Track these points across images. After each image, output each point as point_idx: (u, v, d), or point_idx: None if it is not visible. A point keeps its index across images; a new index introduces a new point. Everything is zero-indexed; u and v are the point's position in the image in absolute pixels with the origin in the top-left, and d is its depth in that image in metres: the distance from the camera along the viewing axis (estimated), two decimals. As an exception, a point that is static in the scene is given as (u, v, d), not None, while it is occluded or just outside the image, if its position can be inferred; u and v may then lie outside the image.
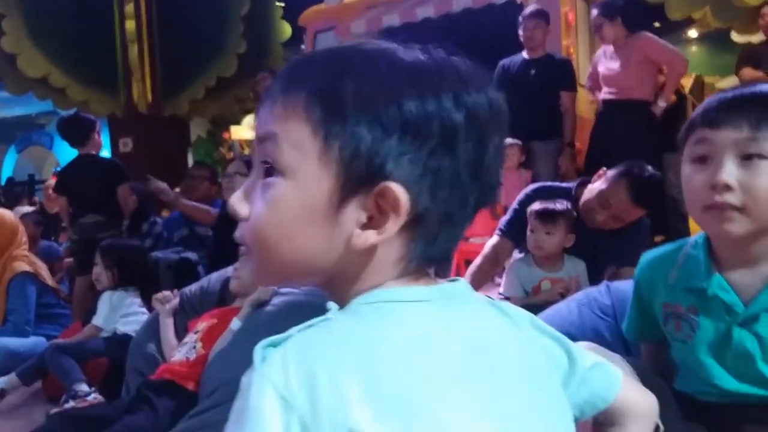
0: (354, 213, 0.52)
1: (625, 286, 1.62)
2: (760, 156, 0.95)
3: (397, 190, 0.51)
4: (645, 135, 3.90)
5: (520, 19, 4.13)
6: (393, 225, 0.52)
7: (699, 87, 6.34)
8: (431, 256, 0.56)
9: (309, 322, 0.52)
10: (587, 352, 0.68)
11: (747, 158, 0.95)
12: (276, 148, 0.53)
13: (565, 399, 0.63)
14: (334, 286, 0.57)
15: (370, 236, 0.52)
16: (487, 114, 0.54)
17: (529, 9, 4.17)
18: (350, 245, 0.53)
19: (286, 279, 0.60)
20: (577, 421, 0.65)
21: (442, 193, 0.52)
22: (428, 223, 0.53)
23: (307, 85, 0.52)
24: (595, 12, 4.04)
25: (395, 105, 0.50)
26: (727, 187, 0.96)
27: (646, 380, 0.79)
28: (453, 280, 0.60)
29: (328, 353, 0.49)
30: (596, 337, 1.51)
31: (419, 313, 0.54)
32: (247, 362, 1.75)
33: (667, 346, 1.18)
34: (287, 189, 0.53)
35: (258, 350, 0.50)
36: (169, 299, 2.33)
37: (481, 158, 0.54)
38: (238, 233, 0.57)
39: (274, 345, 0.50)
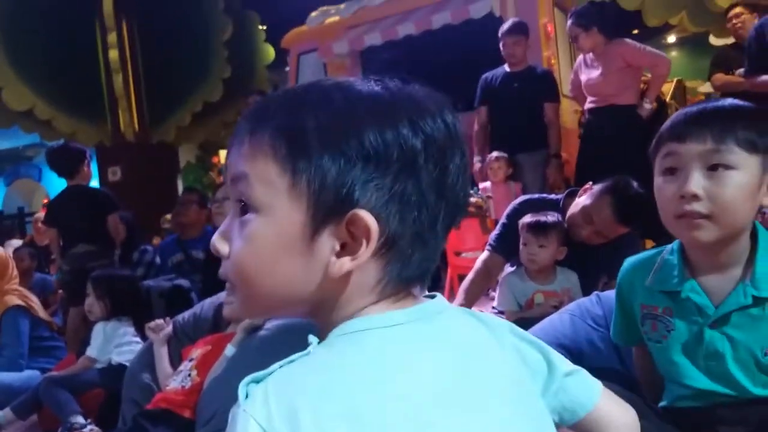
0: (328, 242, 0.54)
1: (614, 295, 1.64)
2: (725, 166, 1.01)
3: (366, 216, 0.53)
4: (634, 139, 3.88)
5: (500, 35, 4.15)
6: (366, 250, 0.54)
7: (681, 92, 6.43)
8: (407, 276, 0.58)
9: (290, 358, 0.54)
10: (565, 359, 0.69)
11: (712, 168, 1.02)
12: (248, 186, 0.55)
13: (544, 406, 0.65)
14: (317, 314, 0.59)
15: (345, 263, 0.54)
16: (444, 136, 0.56)
17: (507, 24, 4.18)
18: (327, 273, 0.55)
19: (271, 311, 0.63)
20: (558, 427, 0.67)
21: (410, 215, 0.54)
22: (400, 245, 0.55)
23: (270, 124, 0.55)
24: (569, 22, 4.04)
25: (355, 136, 0.53)
26: (695, 197, 1.02)
27: (620, 394, 0.81)
28: (431, 296, 0.61)
29: (307, 387, 0.51)
30: (590, 348, 1.53)
31: (394, 338, 0.55)
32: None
33: None
34: (262, 225, 0.55)
35: (242, 387, 0.52)
36: (162, 328, 2.33)
37: (443, 179, 0.56)
38: (222, 271, 0.59)
39: (257, 381, 0.53)
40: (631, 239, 2.48)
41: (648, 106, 3.96)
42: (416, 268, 0.58)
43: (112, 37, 7.69)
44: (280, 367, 0.53)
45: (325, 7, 6.49)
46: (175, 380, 2.09)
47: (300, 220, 0.54)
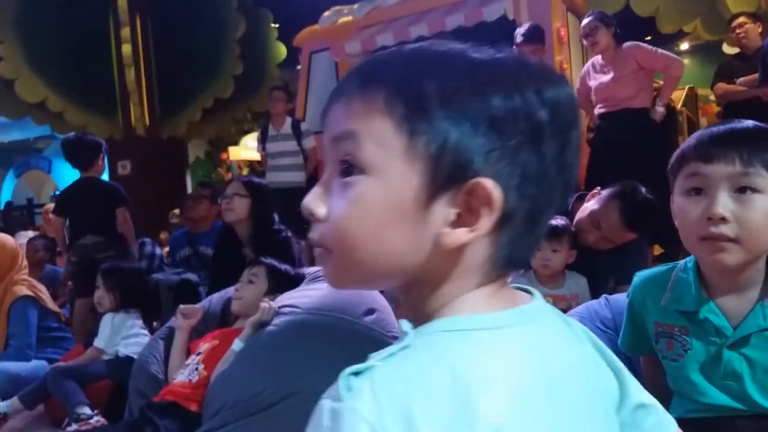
0: (443, 210, 0.51)
1: (624, 298, 1.64)
2: (753, 189, 1.00)
3: (490, 185, 0.49)
4: (648, 142, 3.88)
5: (516, 40, 4.09)
6: (486, 222, 0.50)
7: (692, 99, 6.41)
8: (515, 259, 0.54)
9: (388, 350, 0.49)
10: (639, 386, 0.64)
11: (740, 191, 1.00)
12: (356, 145, 0.51)
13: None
14: (414, 289, 0.55)
15: (462, 234, 0.51)
16: (567, 108, 0.53)
17: (524, 30, 4.14)
18: (438, 245, 0.51)
19: (367, 281, 0.56)
20: None
21: (529, 191, 0.51)
22: (515, 222, 0.52)
23: (387, 82, 0.51)
24: (589, 18, 4.00)
25: (481, 99, 0.49)
26: (723, 219, 1.00)
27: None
28: (527, 290, 0.59)
29: (420, 387, 0.47)
30: None
31: (503, 342, 0.51)
32: (250, 383, 1.74)
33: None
34: (371, 186, 0.51)
35: (341, 379, 0.47)
36: (195, 313, 2.33)
37: (564, 155, 0.53)
38: (315, 235, 0.55)
39: (356, 374, 0.47)
40: (638, 245, 2.48)
41: (661, 109, 3.92)
42: (525, 250, 0.55)
43: (125, 32, 7.73)
44: (381, 360, 0.48)
45: (338, 7, 6.49)
46: (183, 374, 2.10)
47: (415, 185, 0.50)
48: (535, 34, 4.11)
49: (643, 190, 2.36)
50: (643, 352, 1.28)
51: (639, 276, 1.25)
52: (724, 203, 1.00)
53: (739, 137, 1.02)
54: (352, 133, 0.52)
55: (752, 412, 1.08)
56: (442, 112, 0.49)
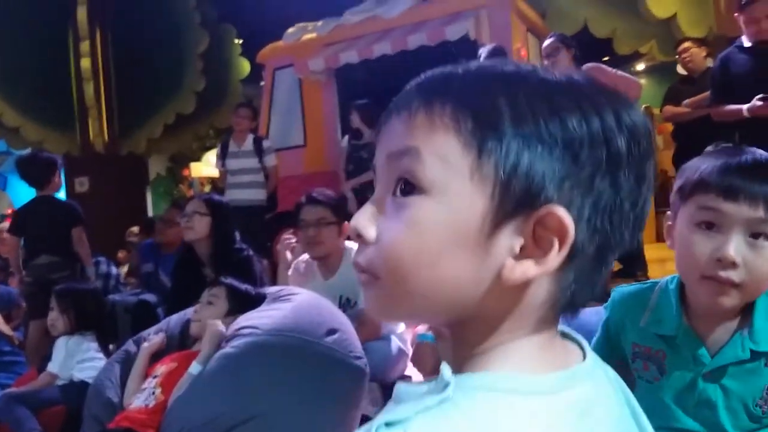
0: (508, 240, 0.46)
1: (581, 314, 1.66)
2: (767, 236, 0.96)
3: (564, 215, 0.44)
4: None
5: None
6: (556, 256, 0.45)
7: (649, 118, 6.57)
8: (577, 301, 0.50)
9: (426, 403, 0.45)
10: None
11: (754, 236, 0.96)
12: (418, 163, 0.47)
13: None
14: (463, 328, 0.49)
15: (529, 268, 0.46)
16: (644, 136, 0.48)
17: (486, 50, 4.19)
18: (500, 279, 0.46)
19: (415, 314, 0.52)
20: None
21: (602, 224, 0.47)
22: (582, 259, 0.47)
23: (453, 96, 0.47)
24: (550, 39, 4.10)
25: (557, 119, 0.45)
26: (734, 264, 0.96)
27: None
28: (580, 345, 0.54)
29: None
30: None
31: (551, 411, 0.46)
32: (207, 407, 1.72)
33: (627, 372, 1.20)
34: (432, 209, 0.46)
35: (374, 428, 0.44)
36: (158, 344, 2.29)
37: (640, 186, 0.48)
38: (362, 259, 0.50)
39: (391, 424, 0.44)
40: None
41: None
42: (590, 291, 0.50)
43: (84, 46, 7.60)
44: (418, 414, 0.44)
45: (302, 24, 6.50)
46: (139, 398, 2.05)
47: (481, 209, 0.45)
48: (498, 56, 4.17)
49: None
50: (612, 366, 1.28)
51: (617, 292, 1.21)
52: (738, 247, 0.96)
53: (764, 178, 0.96)
54: (414, 149, 0.47)
55: None
56: (515, 132, 0.45)
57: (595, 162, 0.45)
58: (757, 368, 1.03)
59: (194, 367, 1.96)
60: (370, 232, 0.49)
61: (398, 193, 0.48)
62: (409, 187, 0.47)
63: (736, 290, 0.97)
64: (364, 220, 0.50)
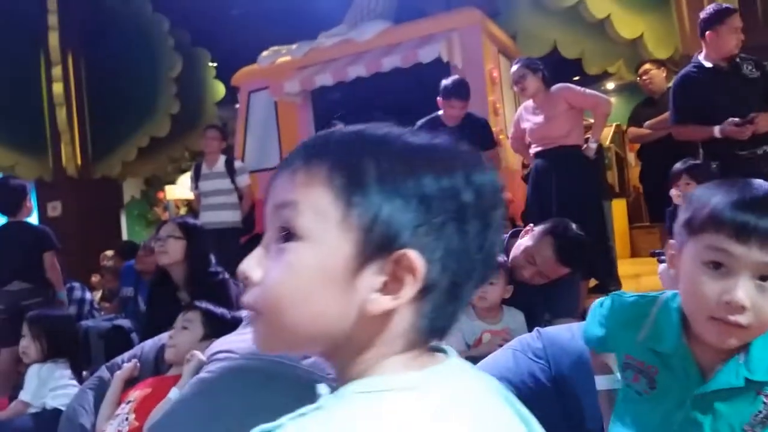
0: (370, 279, 0.54)
1: (555, 330, 1.70)
2: None
3: (415, 257, 0.53)
4: (583, 179, 4.04)
5: (442, 92, 4.15)
6: (409, 290, 0.54)
7: (620, 136, 6.71)
8: (436, 327, 0.58)
9: (301, 411, 0.51)
10: None
11: (762, 279, 0.95)
12: (296, 213, 0.55)
13: None
14: (338, 354, 0.57)
15: (386, 302, 0.54)
16: (491, 192, 0.58)
17: (450, 83, 4.19)
18: (364, 312, 0.54)
19: (294, 344, 0.59)
20: None
21: (451, 265, 0.55)
22: (437, 293, 0.55)
23: (330, 156, 0.56)
24: (516, 66, 4.14)
25: (413, 179, 0.54)
26: (743, 308, 0.95)
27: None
28: (442, 349, 0.61)
29: None
30: (531, 379, 1.58)
31: (410, 402, 0.53)
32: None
33: None
34: (306, 253, 0.54)
35: None
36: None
37: (485, 234, 0.57)
38: (248, 298, 0.57)
39: (266, 430, 0.50)
40: (571, 280, 2.56)
41: (593, 145, 4.08)
42: (446, 320, 0.58)
43: (56, 71, 7.55)
44: (291, 420, 0.51)
45: (276, 47, 6.54)
46: (112, 424, 2.02)
47: (347, 253, 0.54)
48: (461, 91, 4.17)
49: (574, 226, 2.45)
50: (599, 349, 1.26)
51: (618, 301, 1.20)
52: (747, 291, 0.95)
53: None
54: (293, 202, 0.55)
55: None
56: (377, 188, 0.53)
57: (445, 213, 0.54)
58: (749, 396, 1.03)
59: (173, 393, 1.94)
60: (256, 273, 0.57)
61: (280, 239, 0.56)
62: (288, 234, 0.55)
63: (743, 331, 0.97)
64: (252, 263, 0.58)
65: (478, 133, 4.14)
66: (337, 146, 0.57)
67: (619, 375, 1.19)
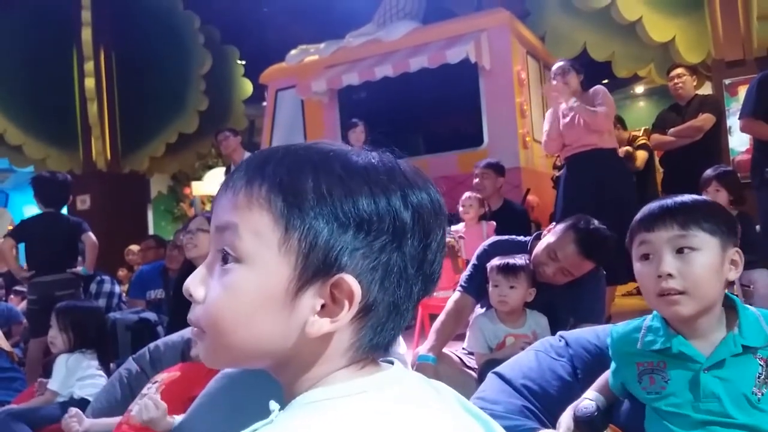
0: (309, 301, 0.55)
1: (578, 331, 1.70)
2: (691, 248, 1.20)
3: (352, 282, 0.53)
4: (615, 181, 4.03)
5: (477, 166, 4.42)
6: (346, 314, 0.54)
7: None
8: (378, 343, 0.58)
9: (253, 427, 0.53)
10: None
11: (680, 251, 1.20)
12: (236, 236, 0.55)
13: None
14: (283, 371, 0.58)
15: (324, 324, 0.55)
16: (430, 212, 0.58)
17: (484, 162, 4.42)
18: (304, 332, 0.55)
19: (237, 362, 0.61)
20: None
21: (390, 285, 0.55)
22: (377, 312, 0.56)
23: (269, 178, 0.55)
24: (561, 62, 4.18)
25: (351, 202, 0.54)
26: (669, 275, 1.19)
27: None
28: (389, 361, 0.61)
29: None
30: (553, 376, 1.58)
31: (356, 408, 0.54)
32: (209, 426, 1.70)
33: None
34: (245, 276, 0.55)
35: None
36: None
37: (425, 254, 0.57)
38: (192, 316, 0.58)
39: None
40: (595, 280, 2.53)
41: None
42: (387, 336, 0.59)
43: (89, 66, 7.68)
44: None
45: (304, 46, 6.57)
46: (138, 404, 2.05)
47: (285, 276, 0.54)
48: (497, 166, 4.38)
49: (595, 221, 2.44)
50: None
51: (615, 331, 1.36)
52: (669, 262, 1.20)
53: (675, 208, 1.23)
54: (233, 224, 0.55)
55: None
56: (316, 212, 0.53)
57: (383, 235, 0.54)
58: (747, 359, 1.20)
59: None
60: (199, 292, 0.57)
61: (222, 261, 0.56)
62: (229, 256, 0.55)
63: (685, 297, 1.19)
64: (195, 281, 0.58)
65: (515, 224, 4.17)
66: (277, 167, 0.56)
67: (638, 391, 1.29)
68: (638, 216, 1.28)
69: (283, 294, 0.54)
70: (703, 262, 1.19)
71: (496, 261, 2.47)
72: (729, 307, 1.26)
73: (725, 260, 1.22)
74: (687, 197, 1.26)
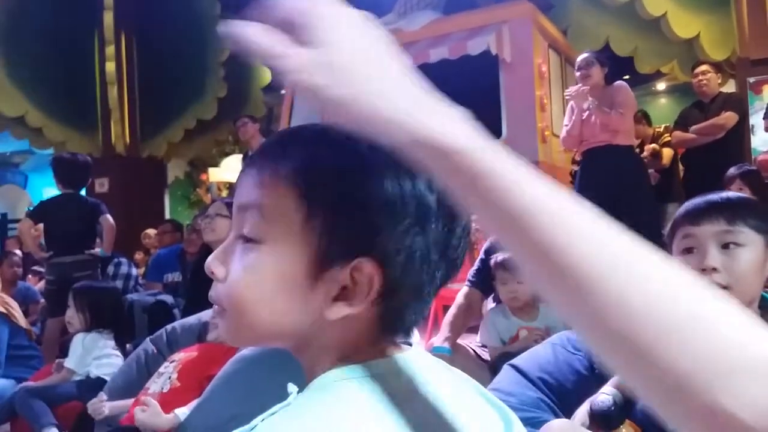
0: (329, 284, 0.54)
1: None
2: (736, 244, 1.19)
3: (372, 266, 0.53)
4: (637, 180, 4.01)
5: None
6: (365, 299, 0.54)
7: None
8: (399, 326, 0.58)
9: (272, 410, 0.52)
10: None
11: (725, 247, 1.20)
12: (259, 216, 0.55)
13: None
14: (304, 352, 0.58)
15: (343, 308, 0.54)
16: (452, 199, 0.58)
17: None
18: (323, 315, 0.54)
19: (258, 341, 0.61)
20: None
21: (413, 269, 0.55)
22: (399, 296, 0.55)
23: (293, 159, 0.54)
24: (585, 54, 4.16)
25: (376, 183, 0.53)
26: (714, 270, 1.18)
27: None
28: (407, 343, 0.61)
29: None
30: (570, 370, 1.57)
31: (375, 388, 0.54)
32: (226, 408, 1.72)
33: None
34: (267, 256, 0.54)
35: None
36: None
37: (449, 238, 0.57)
38: (213, 294, 0.58)
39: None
40: None
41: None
42: (409, 319, 0.58)
43: (110, 50, 7.72)
44: (262, 420, 0.52)
45: (324, 34, 6.56)
46: (156, 382, 2.07)
47: (306, 258, 0.54)
48: None
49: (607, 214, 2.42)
50: None
51: None
52: (714, 256, 1.19)
53: (721, 203, 1.22)
54: (256, 204, 0.55)
55: None
56: (339, 192, 0.53)
57: (407, 218, 0.53)
58: None
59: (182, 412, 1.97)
60: (220, 271, 0.57)
61: (243, 240, 0.56)
62: (251, 236, 0.55)
63: (727, 292, 1.15)
64: (216, 260, 0.58)
65: None
66: (303, 146, 0.55)
67: None
68: (681, 210, 1.28)
69: (303, 275, 0.54)
70: (747, 258, 1.19)
71: (498, 258, 2.46)
72: (763, 308, 1.26)
73: (767, 258, 1.22)
74: (732, 194, 1.27)
